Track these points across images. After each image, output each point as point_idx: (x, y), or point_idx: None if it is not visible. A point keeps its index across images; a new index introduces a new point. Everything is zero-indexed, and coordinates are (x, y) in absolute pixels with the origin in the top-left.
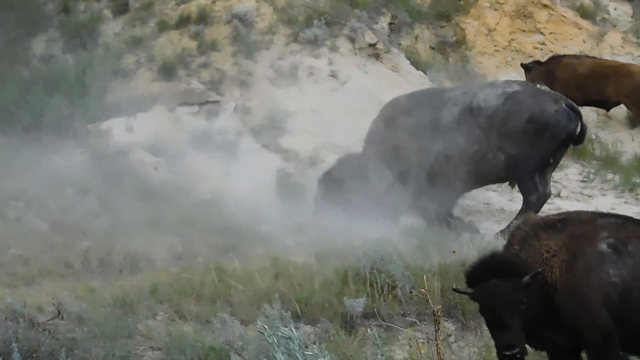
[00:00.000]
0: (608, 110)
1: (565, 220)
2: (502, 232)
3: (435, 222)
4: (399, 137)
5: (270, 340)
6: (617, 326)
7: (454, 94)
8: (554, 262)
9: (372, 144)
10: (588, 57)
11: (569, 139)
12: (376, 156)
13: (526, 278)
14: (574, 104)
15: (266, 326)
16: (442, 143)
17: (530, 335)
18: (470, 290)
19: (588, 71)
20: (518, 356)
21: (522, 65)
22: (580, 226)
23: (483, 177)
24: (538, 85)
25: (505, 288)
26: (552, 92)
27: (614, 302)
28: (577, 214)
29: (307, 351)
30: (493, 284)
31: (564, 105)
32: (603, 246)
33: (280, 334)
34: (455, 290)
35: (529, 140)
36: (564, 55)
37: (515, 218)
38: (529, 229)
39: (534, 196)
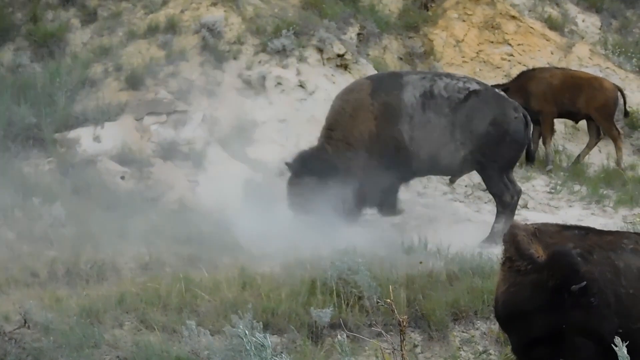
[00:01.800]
0: (577, 123)
1: (540, 230)
2: (486, 240)
3: (386, 207)
4: (371, 121)
5: (247, 347)
6: None
7: (412, 77)
8: None
9: (340, 130)
10: (557, 68)
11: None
12: (349, 143)
13: None
14: (528, 115)
15: (242, 333)
16: (408, 125)
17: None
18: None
19: (560, 82)
20: None
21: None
22: (551, 237)
23: (438, 165)
24: (496, 90)
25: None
26: (510, 99)
27: None
28: (545, 225)
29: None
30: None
31: (521, 115)
32: None
33: (254, 340)
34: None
35: (492, 144)
36: (534, 69)
37: (495, 222)
38: (526, 234)
39: (507, 196)
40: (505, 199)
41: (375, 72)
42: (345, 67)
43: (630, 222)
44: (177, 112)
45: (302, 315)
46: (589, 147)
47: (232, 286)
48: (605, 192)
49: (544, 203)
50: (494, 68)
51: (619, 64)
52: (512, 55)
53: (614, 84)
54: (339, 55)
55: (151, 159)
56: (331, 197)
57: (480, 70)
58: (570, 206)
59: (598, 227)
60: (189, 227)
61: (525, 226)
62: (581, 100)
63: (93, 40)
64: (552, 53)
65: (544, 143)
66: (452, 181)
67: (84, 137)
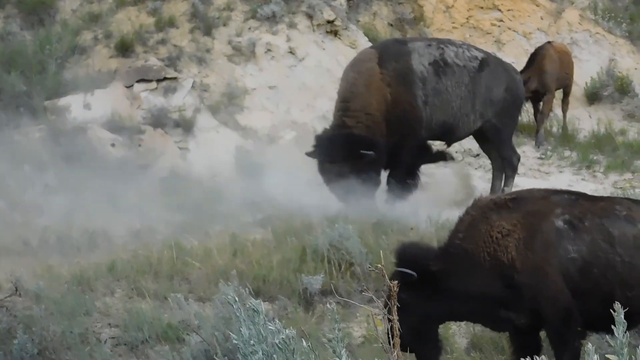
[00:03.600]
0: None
1: (518, 199)
2: None
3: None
4: (385, 89)
5: (238, 314)
6: (577, 303)
7: (418, 44)
8: (508, 242)
9: (357, 101)
10: (549, 43)
11: None
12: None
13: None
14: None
15: (231, 300)
16: (421, 91)
17: (488, 319)
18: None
19: (559, 57)
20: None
21: None
22: (535, 203)
23: (455, 132)
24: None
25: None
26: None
27: (574, 278)
28: (530, 191)
29: (270, 326)
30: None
31: (520, 76)
32: (559, 222)
33: (246, 306)
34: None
35: (507, 109)
36: (544, 46)
37: (506, 186)
38: (476, 213)
39: (515, 159)
40: (514, 163)
41: (366, 38)
42: (335, 33)
43: (621, 188)
44: (167, 79)
45: (293, 282)
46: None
47: (223, 253)
48: (595, 157)
49: (534, 169)
50: (484, 34)
51: (608, 29)
52: (501, 20)
53: None
54: (328, 22)
55: (141, 126)
56: (358, 170)
57: (470, 36)
58: (561, 172)
59: (589, 192)
60: (180, 195)
61: (490, 200)
62: (569, 72)
63: (83, 7)
64: (541, 18)
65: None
66: (448, 145)
67: (74, 105)
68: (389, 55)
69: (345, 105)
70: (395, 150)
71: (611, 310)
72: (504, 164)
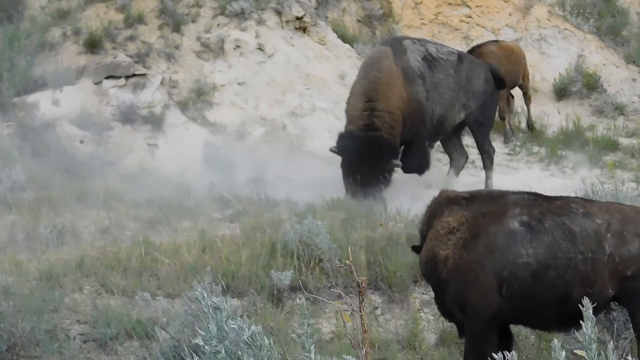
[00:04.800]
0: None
1: (473, 198)
2: None
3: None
4: (401, 86)
5: (205, 310)
6: (532, 305)
7: (407, 42)
8: (449, 239)
9: (383, 99)
10: (494, 41)
11: None
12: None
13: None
14: None
15: (199, 296)
16: (422, 86)
17: (444, 312)
18: None
19: (504, 55)
20: None
21: None
22: (490, 204)
23: (444, 124)
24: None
25: None
26: None
27: (526, 282)
28: (489, 191)
29: (234, 323)
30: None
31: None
32: (515, 224)
33: (211, 303)
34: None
35: (487, 101)
36: (481, 45)
37: (488, 178)
38: (434, 207)
39: (492, 151)
40: (492, 155)
41: (335, 34)
42: (304, 29)
43: (592, 183)
44: (136, 76)
45: (262, 278)
46: (511, 110)
47: (192, 249)
48: (564, 153)
49: (503, 164)
50: (453, 30)
51: (577, 25)
52: (470, 17)
53: None
54: (297, 18)
55: (110, 123)
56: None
57: (439, 32)
58: (530, 167)
59: (558, 188)
60: (149, 191)
61: (451, 194)
62: (521, 70)
63: (51, 3)
64: (510, 14)
65: (506, 118)
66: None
67: (43, 101)
68: (398, 53)
69: (372, 104)
70: (408, 145)
71: (579, 306)
72: (483, 157)
